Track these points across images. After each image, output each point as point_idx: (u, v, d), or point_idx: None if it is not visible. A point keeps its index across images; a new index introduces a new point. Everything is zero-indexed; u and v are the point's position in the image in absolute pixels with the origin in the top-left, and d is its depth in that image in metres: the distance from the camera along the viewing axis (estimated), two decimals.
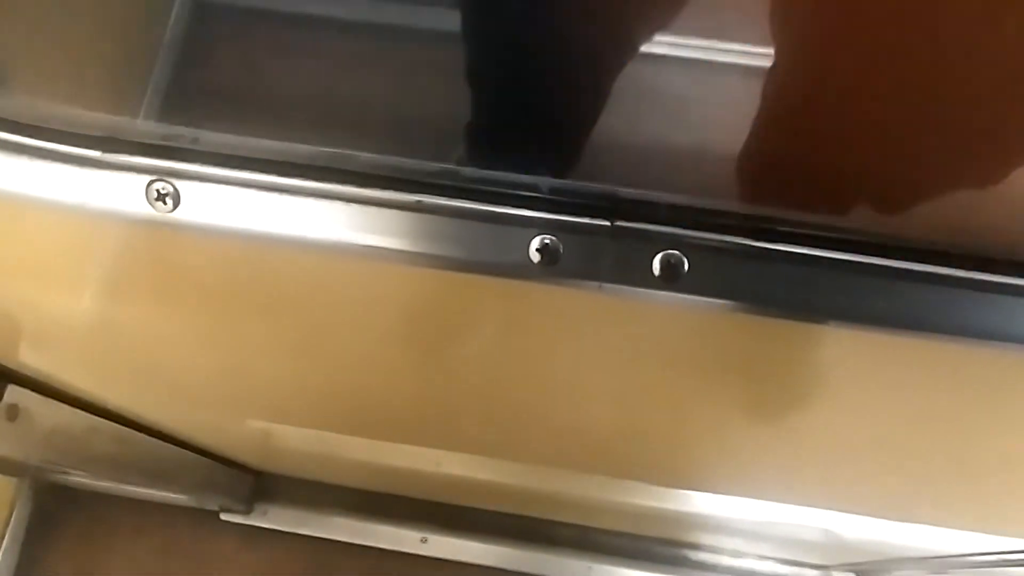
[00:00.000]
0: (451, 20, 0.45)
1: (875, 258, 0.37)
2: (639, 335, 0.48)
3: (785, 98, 0.46)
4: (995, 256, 0.37)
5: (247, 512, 1.40)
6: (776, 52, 0.43)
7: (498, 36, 0.48)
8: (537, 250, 0.39)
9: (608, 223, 0.38)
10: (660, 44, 0.45)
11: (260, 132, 0.41)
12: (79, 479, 1.40)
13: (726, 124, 0.46)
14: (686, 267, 0.38)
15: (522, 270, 0.39)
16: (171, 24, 0.45)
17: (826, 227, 0.38)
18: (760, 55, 0.44)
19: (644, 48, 0.45)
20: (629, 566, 1.34)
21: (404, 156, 0.43)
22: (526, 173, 0.53)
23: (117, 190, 0.40)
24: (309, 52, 0.47)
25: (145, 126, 0.40)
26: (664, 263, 0.38)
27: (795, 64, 0.44)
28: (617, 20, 0.44)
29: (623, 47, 0.46)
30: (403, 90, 0.48)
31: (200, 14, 0.46)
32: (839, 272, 0.38)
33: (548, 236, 0.38)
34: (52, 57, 0.43)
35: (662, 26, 0.45)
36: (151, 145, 0.39)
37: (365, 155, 0.39)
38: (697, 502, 1.11)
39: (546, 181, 0.39)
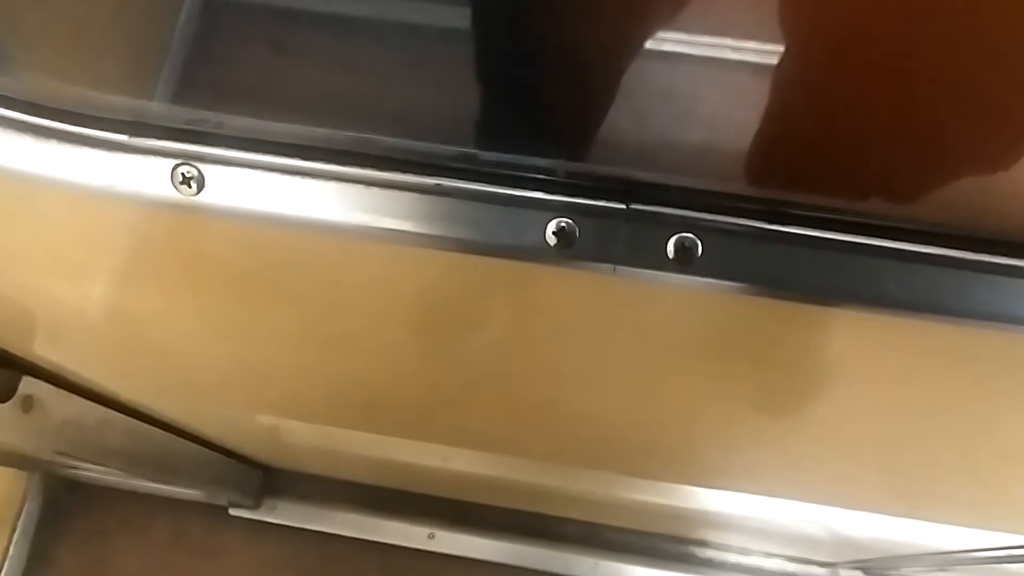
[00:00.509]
0: (463, 18, 0.46)
1: (890, 241, 0.38)
2: (652, 318, 0.49)
3: (794, 91, 0.46)
4: (1009, 239, 0.38)
5: (255, 507, 1.41)
6: (785, 45, 0.44)
7: (507, 31, 0.48)
8: (553, 233, 0.39)
9: (623, 206, 0.39)
10: (670, 41, 0.46)
11: (274, 99, 0.42)
12: (89, 473, 1.41)
13: (736, 121, 0.46)
14: (700, 250, 0.39)
15: (539, 253, 0.40)
16: (184, 11, 0.46)
17: (841, 210, 0.39)
18: (769, 52, 0.44)
19: (654, 45, 0.46)
20: (636, 563, 1.34)
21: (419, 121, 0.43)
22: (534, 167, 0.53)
23: (143, 174, 0.41)
24: (322, 46, 0.47)
25: (170, 110, 0.41)
26: (678, 246, 0.39)
27: (804, 56, 0.45)
28: (627, 10, 0.45)
29: (633, 38, 0.47)
30: (413, 88, 0.48)
31: (214, 3, 0.47)
32: (854, 255, 0.38)
33: (564, 219, 0.39)
34: (70, 38, 0.44)
35: (672, 17, 0.46)
36: (177, 129, 0.40)
37: (386, 139, 0.40)
38: (705, 499, 1.12)
39: (563, 164, 0.39)
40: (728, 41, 0.46)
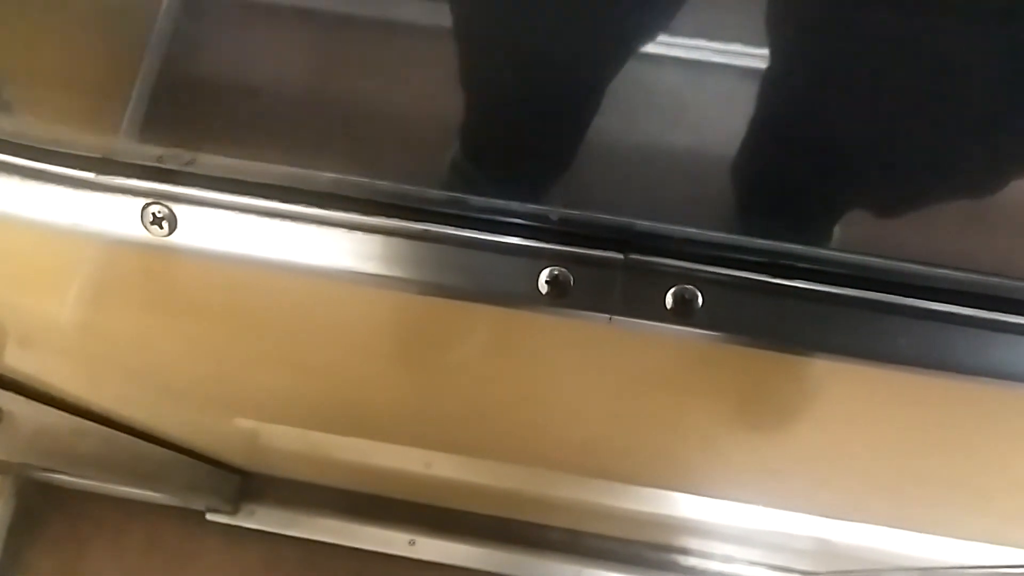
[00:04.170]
0: (444, 15, 0.44)
1: (895, 296, 0.36)
2: (641, 360, 0.47)
3: (780, 100, 0.45)
4: (1015, 296, 0.37)
5: (233, 512, 1.38)
6: (771, 54, 0.43)
7: (489, 36, 0.47)
8: (546, 282, 0.37)
9: (621, 256, 0.37)
10: (657, 45, 0.45)
11: (247, 136, 0.40)
12: (63, 477, 1.38)
13: (723, 126, 0.45)
14: (700, 302, 0.37)
15: (530, 301, 0.38)
16: (151, 44, 0.44)
17: (842, 263, 0.37)
18: (756, 56, 0.43)
19: (641, 49, 0.44)
20: (619, 570, 1.34)
21: (398, 157, 0.41)
22: (520, 173, 0.52)
23: (112, 213, 0.38)
24: (297, 48, 0.45)
25: (140, 148, 0.39)
26: (678, 297, 0.37)
27: (791, 66, 0.43)
28: (611, 20, 0.43)
29: (618, 47, 0.46)
30: (397, 86, 0.47)
31: (188, 13, 0.45)
32: (857, 309, 0.37)
33: (558, 268, 0.37)
34: (35, 72, 0.41)
35: (659, 28, 0.44)
36: (146, 167, 0.38)
37: (369, 181, 0.38)
38: (688, 507, 1.11)
39: (556, 211, 0.37)
40: (716, 44, 0.45)
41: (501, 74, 0.48)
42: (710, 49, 0.46)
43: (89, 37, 0.40)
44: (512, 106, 0.50)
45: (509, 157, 0.54)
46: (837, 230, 0.54)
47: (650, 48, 0.45)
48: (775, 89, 0.45)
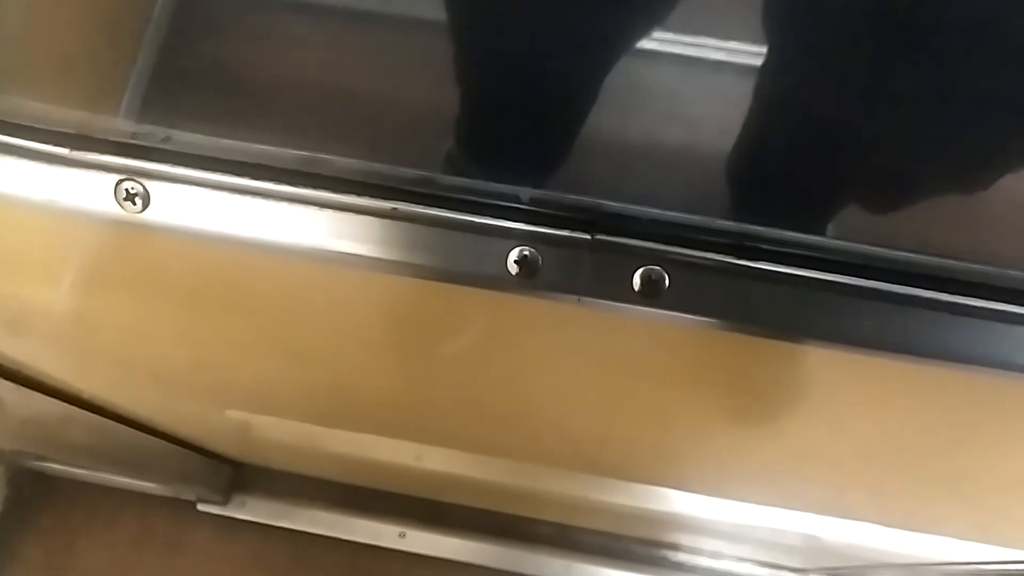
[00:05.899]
0: (440, 10, 0.44)
1: (860, 279, 0.37)
2: (619, 346, 0.48)
3: (776, 96, 0.45)
4: (983, 280, 0.37)
5: (224, 503, 1.38)
6: (768, 50, 0.43)
7: (485, 32, 0.47)
8: (515, 262, 0.38)
9: (588, 236, 0.37)
10: (652, 40, 0.45)
11: (242, 126, 0.40)
12: (55, 466, 1.38)
13: (717, 122, 0.45)
14: (667, 283, 0.37)
15: (499, 281, 0.38)
16: (156, 13, 0.44)
17: (811, 246, 0.37)
18: (752, 53, 0.43)
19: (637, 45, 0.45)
20: (608, 565, 1.34)
21: (391, 150, 0.42)
22: (516, 168, 0.52)
23: (85, 189, 0.38)
24: (293, 41, 0.45)
25: (116, 123, 0.39)
26: (645, 279, 0.37)
27: (787, 62, 0.43)
28: (606, 16, 0.43)
29: (613, 44, 0.46)
30: (393, 80, 0.47)
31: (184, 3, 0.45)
32: (823, 292, 0.37)
33: (527, 248, 0.38)
34: (28, 49, 0.42)
35: (653, 24, 0.45)
36: (120, 143, 0.38)
37: (341, 160, 0.38)
38: (678, 502, 1.11)
39: (526, 191, 0.38)
40: (709, 40, 0.45)
41: (495, 69, 0.49)
42: (704, 45, 0.47)
43: (83, 11, 0.40)
44: (507, 101, 0.50)
45: (504, 151, 0.54)
46: (831, 227, 0.54)
47: (645, 44, 0.45)
48: (770, 84, 0.45)
